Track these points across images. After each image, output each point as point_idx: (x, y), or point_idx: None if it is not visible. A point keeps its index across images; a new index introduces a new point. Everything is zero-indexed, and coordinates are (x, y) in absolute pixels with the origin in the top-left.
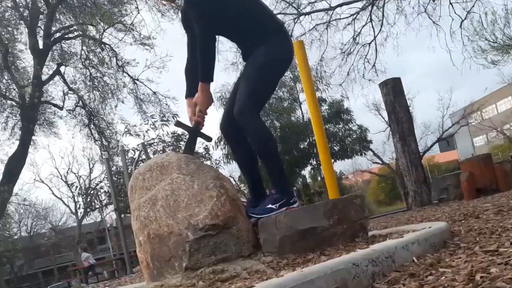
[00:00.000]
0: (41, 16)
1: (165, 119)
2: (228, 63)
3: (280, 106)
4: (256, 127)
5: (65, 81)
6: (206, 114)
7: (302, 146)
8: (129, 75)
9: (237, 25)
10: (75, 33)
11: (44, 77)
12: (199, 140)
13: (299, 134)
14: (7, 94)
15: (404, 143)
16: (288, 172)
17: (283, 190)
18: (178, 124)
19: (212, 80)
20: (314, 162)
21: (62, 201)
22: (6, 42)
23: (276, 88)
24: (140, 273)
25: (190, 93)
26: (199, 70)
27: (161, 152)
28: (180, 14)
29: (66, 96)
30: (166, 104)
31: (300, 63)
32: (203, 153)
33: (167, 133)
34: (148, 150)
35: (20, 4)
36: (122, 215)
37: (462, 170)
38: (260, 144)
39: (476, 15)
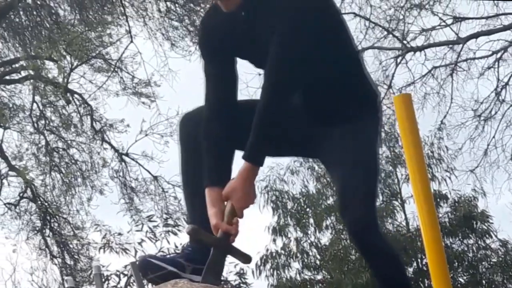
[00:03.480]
0: None
1: (171, 223)
2: None
3: None
4: (387, 247)
5: (3, 155)
6: (242, 217)
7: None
8: (112, 146)
9: (335, 76)
10: (23, 73)
11: None
12: (230, 259)
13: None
14: None
15: None
16: None
17: None
18: (195, 233)
19: (262, 162)
20: None
21: None
22: None
23: None
24: None
25: (216, 180)
26: (254, 135)
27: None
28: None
29: (4, 180)
30: (175, 198)
31: (405, 132)
32: (236, 283)
33: (176, 246)
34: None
35: None
36: None
37: None
38: (394, 273)
39: None
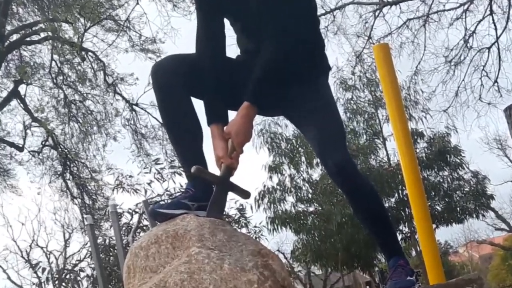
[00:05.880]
0: None
1: (176, 164)
2: None
3: (354, 144)
4: (365, 181)
5: (26, 108)
6: (242, 153)
7: (387, 205)
8: (124, 97)
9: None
10: (42, 35)
11: None
12: (231, 196)
13: (383, 186)
14: None
15: None
16: (366, 244)
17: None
18: (200, 173)
19: (259, 103)
20: (406, 229)
21: None
22: None
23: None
24: None
25: (216, 117)
26: (256, 81)
27: None
28: None
29: (28, 131)
30: None
31: (384, 78)
32: (237, 217)
33: (181, 186)
34: None
35: None
36: None
37: None
38: (373, 202)
39: None
